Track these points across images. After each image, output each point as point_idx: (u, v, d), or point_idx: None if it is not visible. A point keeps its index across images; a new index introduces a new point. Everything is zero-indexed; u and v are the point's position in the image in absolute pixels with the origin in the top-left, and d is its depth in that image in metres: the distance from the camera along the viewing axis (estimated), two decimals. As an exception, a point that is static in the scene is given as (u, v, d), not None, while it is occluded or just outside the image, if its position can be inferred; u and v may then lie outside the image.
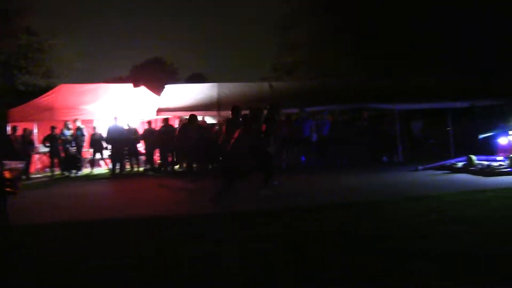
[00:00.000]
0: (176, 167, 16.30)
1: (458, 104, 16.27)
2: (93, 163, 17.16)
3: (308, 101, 16.06)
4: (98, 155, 17.14)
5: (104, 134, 16.32)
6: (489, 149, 13.18)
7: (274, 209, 7.56)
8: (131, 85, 19.42)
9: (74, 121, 16.88)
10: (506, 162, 11.41)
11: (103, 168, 17.54)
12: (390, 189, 9.50)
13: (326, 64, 25.44)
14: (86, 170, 16.99)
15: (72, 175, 16.01)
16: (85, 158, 17.32)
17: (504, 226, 5.74)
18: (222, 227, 6.58)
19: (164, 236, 6.15)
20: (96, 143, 16.77)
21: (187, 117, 16.00)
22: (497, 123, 14.46)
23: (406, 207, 7.22)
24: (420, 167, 12.76)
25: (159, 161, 16.68)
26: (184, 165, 16.31)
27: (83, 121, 17.49)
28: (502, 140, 12.33)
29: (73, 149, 16.31)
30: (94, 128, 17.11)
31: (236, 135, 8.49)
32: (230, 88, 17.70)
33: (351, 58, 25.68)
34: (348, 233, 5.80)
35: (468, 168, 11.82)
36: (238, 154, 8.34)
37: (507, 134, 12.27)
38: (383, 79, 18.88)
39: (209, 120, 17.30)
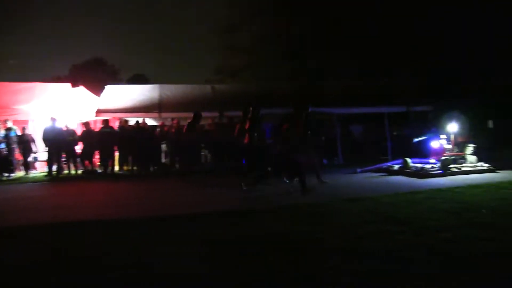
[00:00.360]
0: (116, 169, 15.89)
1: (395, 109, 16.86)
2: (28, 165, 16.37)
3: (250, 104, 16.08)
4: (30, 158, 16.38)
5: (37, 136, 15.62)
6: (423, 152, 13.73)
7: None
8: (69, 85, 18.73)
9: (5, 121, 15.99)
10: (438, 165, 11.94)
11: (39, 171, 16.79)
12: (329, 190, 9.67)
13: (269, 68, 25.68)
14: (19, 173, 16.20)
15: (4, 178, 15.23)
16: (19, 160, 16.50)
17: (435, 225, 5.97)
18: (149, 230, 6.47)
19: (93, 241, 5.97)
20: (25, 145, 15.97)
21: (127, 118, 15.74)
22: (430, 127, 15.10)
23: (343, 208, 7.36)
24: (358, 170, 13.10)
25: (98, 163, 16.19)
26: (125, 167, 15.96)
27: (18, 122, 16.62)
28: (434, 144, 12.88)
29: (3, 151, 15.51)
30: (24, 129, 16.28)
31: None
32: (172, 90, 17.48)
33: (295, 62, 26.11)
34: (283, 235, 5.85)
35: (404, 170, 12.26)
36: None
37: (439, 138, 12.82)
38: (324, 83, 19.27)
39: (150, 122, 16.98)
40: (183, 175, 14.35)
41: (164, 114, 16.52)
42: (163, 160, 16.65)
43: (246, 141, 10.79)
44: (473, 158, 12.66)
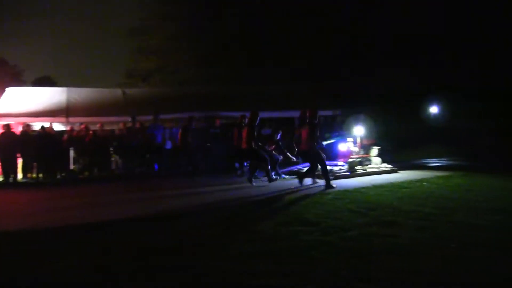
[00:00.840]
0: (20, 177, 14.87)
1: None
2: None
3: (162, 108, 15.84)
4: None
5: None
6: (331, 155, 14.22)
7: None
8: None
9: None
10: (345, 166, 12.44)
11: None
12: (238, 194, 9.71)
13: (182, 72, 25.45)
14: None
15: None
16: None
17: (342, 224, 6.19)
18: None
19: None
20: None
21: (32, 123, 14.83)
22: (338, 131, 15.69)
23: (253, 211, 7.42)
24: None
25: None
26: (29, 175, 15.00)
27: None
28: (342, 147, 13.36)
29: None
30: None
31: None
32: (81, 94, 16.76)
33: (207, 67, 26.07)
34: (190, 239, 5.78)
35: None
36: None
37: (346, 141, 13.34)
38: (236, 87, 19.42)
39: (58, 127, 16.11)
40: (92, 181, 13.80)
41: (72, 119, 15.75)
42: (71, 166, 15.86)
43: (244, 145, 11.22)
44: (377, 159, 13.33)
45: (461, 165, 14.44)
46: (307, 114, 10.73)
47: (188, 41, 25.45)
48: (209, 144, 15.66)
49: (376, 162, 13.21)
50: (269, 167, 11.11)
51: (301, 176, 10.75)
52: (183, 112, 15.81)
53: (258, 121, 11.40)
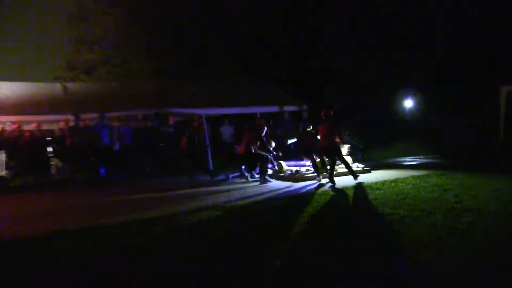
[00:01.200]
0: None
1: (268, 109, 17.25)
2: None
3: (108, 105, 15.42)
4: None
5: None
6: (298, 154, 14.19)
7: None
8: None
9: None
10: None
11: None
12: (190, 199, 9.57)
13: (131, 64, 25.00)
14: None
15: None
16: None
17: (302, 230, 6.09)
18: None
19: None
20: None
21: None
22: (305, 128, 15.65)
23: (198, 221, 7.27)
24: (230, 175, 13.15)
25: None
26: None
27: None
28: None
29: None
30: None
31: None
32: (13, 88, 16.10)
33: (160, 59, 25.72)
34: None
35: (278, 174, 12.54)
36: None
37: (314, 139, 13.24)
38: (189, 82, 19.20)
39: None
40: (26, 189, 13.33)
41: (1, 118, 15.14)
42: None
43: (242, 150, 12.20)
44: (348, 159, 13.33)
45: (438, 163, 14.66)
46: (322, 112, 11.44)
47: (137, 30, 24.98)
48: (162, 144, 15.41)
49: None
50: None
51: (330, 176, 11.04)
52: (133, 109, 15.47)
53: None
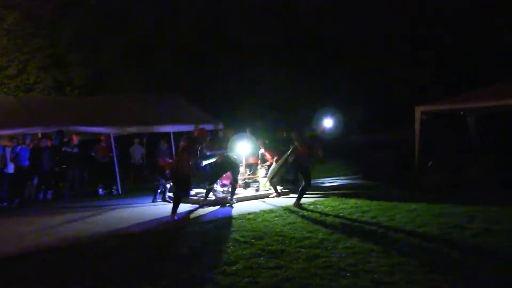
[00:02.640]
0: None
1: (182, 128, 17.28)
2: None
3: (1, 121, 14.84)
4: None
5: None
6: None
7: None
8: None
9: None
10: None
11: None
12: (103, 225, 9.47)
13: (26, 76, 24.11)
14: None
15: None
16: None
17: (224, 257, 6.29)
18: None
19: None
20: None
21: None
22: (220, 148, 15.79)
23: (120, 245, 7.25)
24: (158, 199, 12.85)
25: None
26: None
27: None
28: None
29: None
30: None
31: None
32: None
33: (61, 70, 25.05)
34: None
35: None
36: None
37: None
38: (95, 98, 18.93)
39: None
40: None
41: None
42: None
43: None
44: (265, 181, 13.62)
45: (358, 184, 15.32)
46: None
47: (36, 37, 24.10)
48: (64, 166, 15.00)
49: (264, 184, 13.48)
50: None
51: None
52: (30, 127, 14.96)
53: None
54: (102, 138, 16.15)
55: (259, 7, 25.39)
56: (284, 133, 15.96)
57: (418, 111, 14.67)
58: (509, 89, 13.45)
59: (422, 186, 13.09)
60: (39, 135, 15.65)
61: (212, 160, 12.53)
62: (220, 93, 25.27)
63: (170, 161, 11.51)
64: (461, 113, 15.69)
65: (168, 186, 12.62)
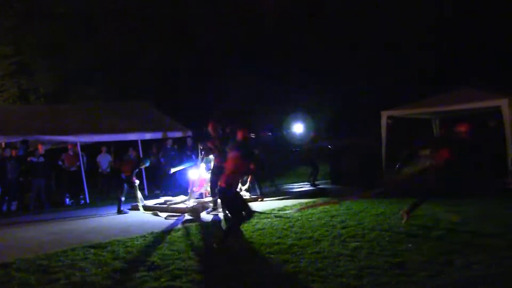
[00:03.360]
0: None
1: (149, 135, 17.23)
2: None
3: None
4: None
5: None
6: (181, 183, 14.28)
7: None
8: None
9: None
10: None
11: None
12: (71, 236, 9.34)
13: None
14: None
15: None
16: None
17: (192, 264, 6.29)
18: None
19: None
20: None
21: None
22: (190, 155, 15.78)
23: (87, 257, 7.15)
24: (126, 210, 12.66)
25: None
26: None
27: None
28: (193, 174, 13.20)
29: None
30: None
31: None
32: None
33: (26, 76, 24.70)
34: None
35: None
36: None
37: (198, 167, 13.30)
38: (61, 106, 18.70)
39: None
40: None
41: None
42: None
43: None
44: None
45: (327, 189, 15.47)
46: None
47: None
48: (24, 177, 14.73)
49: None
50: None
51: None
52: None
53: None
54: (69, 146, 15.96)
55: (224, 15, 25.45)
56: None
57: (384, 116, 14.94)
58: (471, 94, 13.84)
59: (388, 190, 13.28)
60: (3, 144, 15.40)
61: (183, 167, 12.49)
62: (191, 100, 25.21)
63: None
64: (426, 117, 16.04)
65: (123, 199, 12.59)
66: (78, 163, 15.69)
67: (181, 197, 12.97)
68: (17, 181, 14.70)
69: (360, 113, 21.59)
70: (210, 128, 12.00)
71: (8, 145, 15.38)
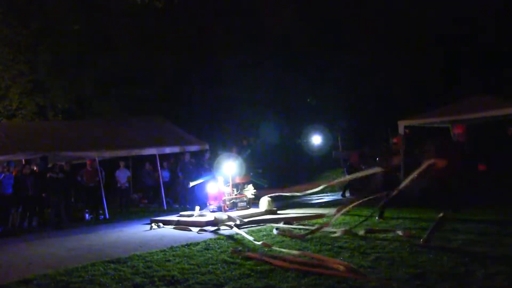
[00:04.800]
0: None
1: (168, 149, 17.37)
2: None
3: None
4: None
5: None
6: (199, 197, 14.41)
7: None
8: None
9: None
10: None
11: None
12: (91, 251, 9.43)
13: (9, 102, 23.99)
14: None
15: None
16: None
17: (214, 279, 6.32)
18: None
19: None
20: None
21: None
22: (208, 169, 15.90)
23: (107, 273, 7.21)
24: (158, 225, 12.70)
25: None
26: None
27: None
28: (212, 187, 13.41)
29: None
30: None
31: None
32: None
33: (43, 93, 24.96)
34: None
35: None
36: None
37: (216, 181, 13.48)
38: (80, 121, 18.92)
39: None
40: None
41: None
42: None
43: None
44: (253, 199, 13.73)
45: (345, 200, 15.49)
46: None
47: (14, 62, 23.94)
48: (45, 193, 14.91)
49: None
50: None
51: None
52: (13, 154, 14.89)
53: None
54: (88, 162, 16.15)
55: (236, 29, 25.56)
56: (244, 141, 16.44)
57: (401, 125, 14.89)
58: (488, 101, 13.81)
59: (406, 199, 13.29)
60: (23, 161, 15.60)
61: (201, 181, 12.60)
62: (204, 114, 25.35)
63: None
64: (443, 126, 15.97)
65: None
66: (97, 179, 15.85)
67: (198, 211, 13.02)
68: (37, 197, 14.91)
69: (380, 123, 21.51)
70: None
71: (27, 161, 15.57)
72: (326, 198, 16.60)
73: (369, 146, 16.53)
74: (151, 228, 12.17)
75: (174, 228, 11.87)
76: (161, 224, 12.31)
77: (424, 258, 6.79)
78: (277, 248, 8.00)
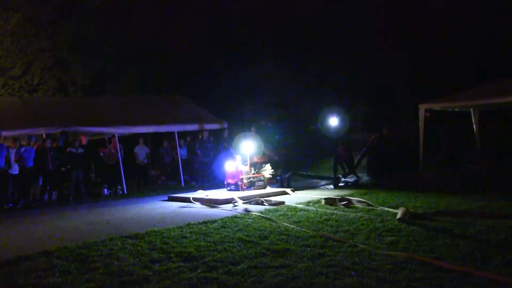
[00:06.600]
0: None
1: (187, 127, 17.39)
2: None
3: (5, 122, 14.86)
4: None
5: None
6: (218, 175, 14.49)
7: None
8: None
9: None
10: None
11: None
12: (109, 226, 9.53)
13: (29, 76, 24.18)
14: None
15: None
16: None
17: (229, 257, 6.36)
18: None
19: None
20: None
21: None
22: (226, 147, 15.91)
23: (125, 247, 7.28)
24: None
25: None
26: None
27: None
28: (230, 166, 13.49)
29: None
30: None
31: None
32: None
33: (64, 70, 25.13)
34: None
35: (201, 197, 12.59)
36: None
37: (235, 159, 13.52)
38: (99, 98, 18.99)
39: None
40: None
41: None
42: None
43: None
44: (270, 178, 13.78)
45: (362, 182, 15.42)
46: None
47: (38, 37, 24.11)
48: (64, 168, 15.03)
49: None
50: None
51: None
52: (34, 128, 15.03)
53: None
54: (112, 144, 16.26)
55: (260, 7, 25.47)
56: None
57: (422, 108, 14.73)
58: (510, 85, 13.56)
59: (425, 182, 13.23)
60: (44, 135, 15.73)
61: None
62: (223, 93, 25.36)
63: None
64: (464, 110, 15.79)
65: None
66: (117, 156, 15.93)
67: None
68: (57, 171, 15.06)
69: (396, 106, 21.40)
70: None
71: (48, 136, 15.69)
72: (342, 179, 16.50)
73: (388, 128, 16.37)
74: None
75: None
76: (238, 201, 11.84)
77: (440, 242, 6.76)
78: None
